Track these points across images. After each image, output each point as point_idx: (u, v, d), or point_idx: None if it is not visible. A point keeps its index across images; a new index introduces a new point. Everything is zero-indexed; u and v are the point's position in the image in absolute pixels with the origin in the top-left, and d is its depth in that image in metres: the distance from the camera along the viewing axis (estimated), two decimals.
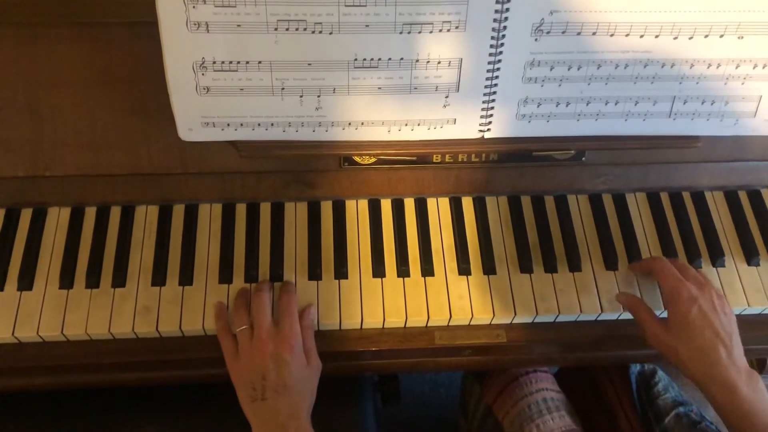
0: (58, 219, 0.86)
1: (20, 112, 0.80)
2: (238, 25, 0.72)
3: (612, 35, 0.76)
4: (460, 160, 0.86)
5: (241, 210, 0.88)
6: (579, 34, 0.75)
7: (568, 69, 0.78)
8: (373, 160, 0.85)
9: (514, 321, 0.84)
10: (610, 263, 0.87)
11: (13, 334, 0.79)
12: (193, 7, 0.70)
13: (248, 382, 0.75)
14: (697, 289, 0.77)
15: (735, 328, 0.77)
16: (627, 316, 0.85)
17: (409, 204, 0.90)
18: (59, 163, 0.82)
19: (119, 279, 0.82)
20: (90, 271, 0.83)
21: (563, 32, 0.75)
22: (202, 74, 0.75)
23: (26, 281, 0.82)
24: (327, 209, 0.89)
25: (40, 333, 0.79)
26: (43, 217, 0.86)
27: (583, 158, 0.87)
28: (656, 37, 0.76)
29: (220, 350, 0.81)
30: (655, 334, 0.78)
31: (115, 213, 0.87)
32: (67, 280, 0.82)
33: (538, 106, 0.80)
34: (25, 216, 0.86)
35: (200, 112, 0.77)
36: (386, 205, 0.90)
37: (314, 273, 0.85)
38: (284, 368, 0.75)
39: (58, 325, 0.80)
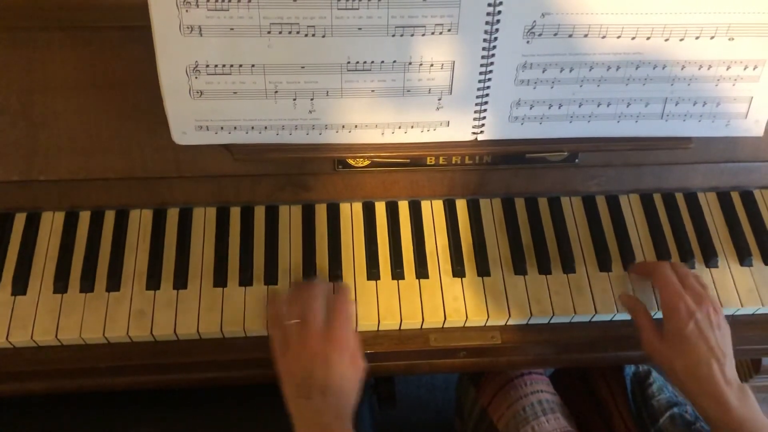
0: (52, 223, 0.86)
1: (14, 116, 0.80)
2: (231, 29, 0.72)
3: (603, 37, 0.76)
4: (453, 162, 0.86)
5: (235, 213, 0.89)
6: (571, 36, 0.75)
7: (560, 71, 0.78)
8: (366, 162, 0.85)
9: (509, 322, 0.85)
10: (604, 264, 0.87)
11: (7, 338, 0.79)
12: (186, 10, 0.70)
13: (295, 377, 0.74)
14: (695, 303, 0.77)
15: (729, 343, 0.77)
16: (621, 317, 0.85)
17: (403, 206, 0.90)
18: (53, 168, 0.82)
19: (114, 283, 0.82)
20: (84, 275, 0.82)
21: (555, 34, 0.75)
22: (196, 78, 0.75)
23: (20, 286, 0.82)
24: (321, 212, 0.89)
25: (34, 338, 0.79)
26: (37, 221, 0.86)
27: (576, 160, 0.88)
28: (647, 38, 0.76)
29: (214, 353, 0.81)
30: (651, 341, 0.78)
31: (110, 217, 0.87)
32: (61, 284, 0.82)
33: (530, 108, 0.80)
34: (19, 220, 0.86)
35: (194, 116, 0.78)
36: (380, 208, 0.90)
37: (309, 276, 0.85)
38: (332, 369, 0.73)
39: (53, 330, 0.80)
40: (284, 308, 0.77)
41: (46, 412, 0.92)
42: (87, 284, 0.82)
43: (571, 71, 0.78)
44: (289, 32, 0.72)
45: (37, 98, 0.80)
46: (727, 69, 0.80)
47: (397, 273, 0.85)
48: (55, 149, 0.82)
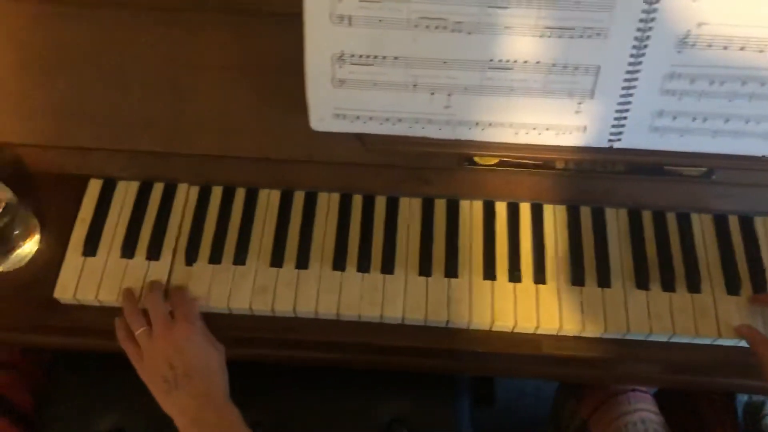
0: (187, 196, 0.90)
1: (163, 91, 0.84)
2: (380, 21, 0.73)
3: (762, 51, 0.73)
4: (583, 168, 0.84)
5: (357, 201, 0.90)
6: (726, 48, 0.73)
7: (710, 84, 0.75)
8: (494, 161, 0.85)
9: (626, 337, 0.83)
10: (732, 288, 0.84)
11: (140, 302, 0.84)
12: (339, 1, 0.72)
13: (158, 376, 0.77)
14: None
15: None
16: (744, 344, 0.82)
17: (525, 209, 0.89)
18: (194, 143, 0.87)
19: (240, 257, 0.86)
20: (214, 247, 0.86)
21: (709, 45, 0.73)
22: (339, 66, 0.76)
23: (155, 252, 0.86)
24: (441, 207, 0.90)
25: None
26: (173, 192, 0.90)
27: (713, 176, 0.84)
28: None
29: (330, 334, 0.83)
30: None
31: (240, 194, 0.90)
32: (192, 254, 0.86)
33: (673, 120, 0.78)
34: (157, 190, 0.91)
35: (333, 104, 0.80)
36: (501, 208, 0.90)
37: (425, 269, 0.85)
38: (187, 351, 0.77)
39: None
40: (128, 321, 0.81)
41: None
42: (216, 256, 0.86)
43: (721, 85, 0.75)
44: (436, 27, 0.73)
45: (186, 75, 0.83)
46: None
47: (515, 275, 0.85)
48: (197, 126, 0.86)
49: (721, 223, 0.88)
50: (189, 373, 0.77)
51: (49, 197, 0.90)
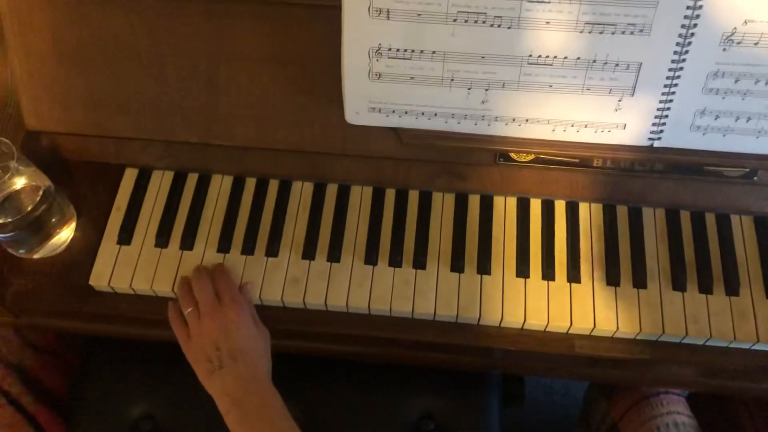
0: (220, 186, 0.91)
1: (200, 82, 0.84)
2: (419, 14, 0.72)
3: None
4: (621, 167, 0.83)
5: (390, 195, 0.90)
6: None
7: (755, 83, 0.73)
8: (530, 158, 0.84)
9: (660, 339, 0.81)
10: None
11: (173, 289, 0.85)
12: None
13: (203, 356, 0.77)
14: None
15: None
16: None
17: (560, 206, 0.88)
18: (229, 134, 0.87)
19: (273, 249, 0.86)
20: (247, 238, 0.87)
21: (756, 43, 0.71)
22: (377, 60, 0.76)
23: (188, 242, 0.87)
24: (474, 203, 0.89)
25: None
26: (207, 183, 0.91)
27: (755, 177, 0.82)
28: None
29: (360, 327, 0.83)
30: None
31: (273, 186, 0.90)
32: (225, 244, 0.86)
33: (715, 119, 0.76)
34: (191, 180, 0.91)
35: (369, 97, 0.79)
36: (535, 205, 0.89)
37: (457, 265, 0.85)
38: (234, 333, 0.77)
39: None
40: (180, 301, 0.82)
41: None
42: (248, 247, 0.86)
43: (766, 84, 0.73)
44: (475, 21, 0.72)
45: (223, 67, 0.84)
46: None
47: (548, 273, 0.84)
48: (233, 117, 0.86)
49: (762, 225, 0.86)
50: (234, 355, 0.76)
51: (86, 185, 0.92)
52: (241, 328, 0.78)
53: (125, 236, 0.87)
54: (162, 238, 0.87)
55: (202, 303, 0.80)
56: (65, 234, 0.87)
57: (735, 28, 0.70)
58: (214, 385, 0.77)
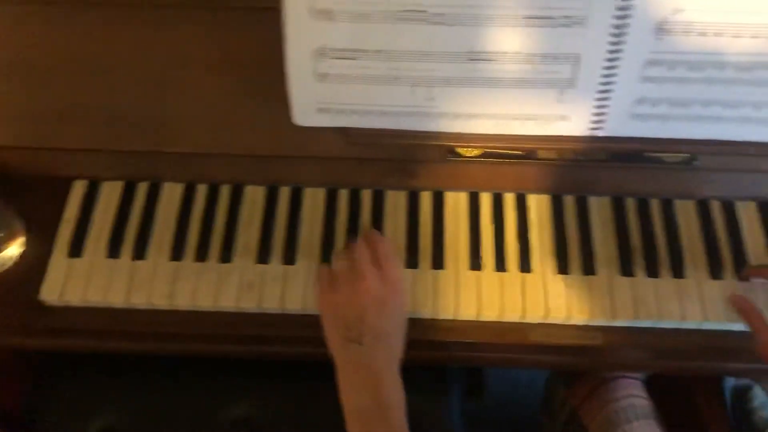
0: (172, 194, 0.90)
1: (147, 89, 0.84)
2: (361, 14, 0.73)
3: (737, 37, 0.73)
4: (566, 157, 0.85)
5: (343, 196, 0.90)
6: (703, 34, 0.73)
7: (689, 70, 0.76)
8: (477, 152, 0.86)
9: (612, 324, 0.83)
10: (716, 272, 0.84)
11: (140, 299, 0.83)
12: None
13: (343, 323, 0.71)
14: None
15: None
16: (730, 326, 0.82)
17: (509, 199, 0.90)
18: (178, 141, 0.86)
19: (226, 255, 0.86)
20: (200, 245, 0.86)
21: (686, 32, 0.73)
22: (321, 61, 0.77)
23: (140, 251, 0.86)
24: (426, 199, 0.90)
25: (151, 300, 0.83)
26: (158, 191, 0.90)
27: (695, 162, 0.85)
28: None
29: (320, 330, 0.83)
30: (766, 344, 0.76)
31: (225, 191, 0.90)
32: (178, 252, 0.86)
33: (653, 107, 0.79)
34: (142, 189, 0.90)
35: (315, 98, 0.80)
36: (486, 199, 0.90)
37: (411, 261, 0.86)
38: (386, 313, 0.71)
39: (167, 294, 0.83)
40: (344, 254, 0.78)
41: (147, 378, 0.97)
42: (202, 254, 0.86)
43: (700, 71, 0.76)
44: (418, 19, 0.73)
45: (170, 74, 0.83)
46: None
47: (500, 265, 0.85)
48: (182, 123, 0.85)
49: (704, 208, 0.89)
50: (378, 335, 0.71)
51: (33, 199, 0.90)
52: (395, 309, 0.73)
53: (76, 249, 0.86)
54: (113, 249, 0.86)
55: (364, 261, 0.74)
56: (13, 250, 0.85)
57: (666, 17, 0.72)
58: (344, 354, 0.71)
